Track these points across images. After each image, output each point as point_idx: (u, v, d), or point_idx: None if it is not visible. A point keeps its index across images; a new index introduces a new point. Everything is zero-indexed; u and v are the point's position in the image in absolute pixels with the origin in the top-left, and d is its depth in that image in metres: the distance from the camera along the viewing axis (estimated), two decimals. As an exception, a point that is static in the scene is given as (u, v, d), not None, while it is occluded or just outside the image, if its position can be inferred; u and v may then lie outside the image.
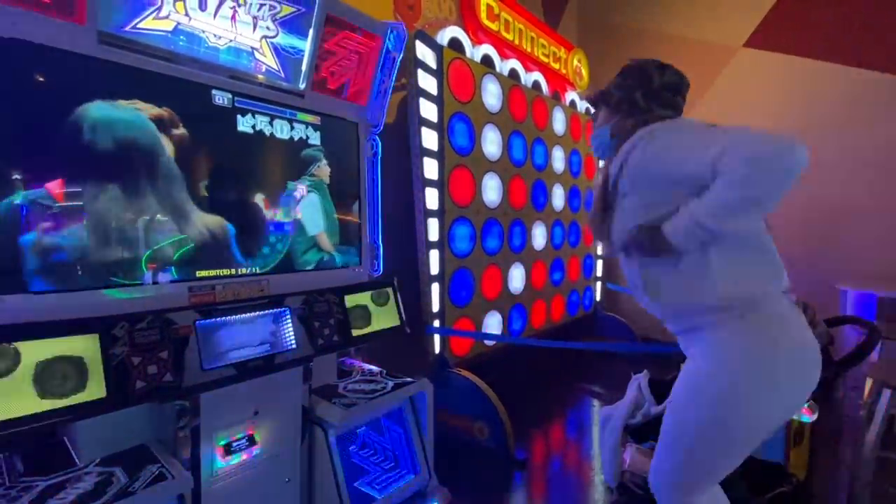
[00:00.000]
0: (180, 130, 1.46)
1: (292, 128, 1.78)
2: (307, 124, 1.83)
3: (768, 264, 1.04)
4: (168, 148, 1.43)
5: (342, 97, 1.94)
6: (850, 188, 3.56)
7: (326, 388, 1.86)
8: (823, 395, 3.00)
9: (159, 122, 1.41)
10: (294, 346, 1.61)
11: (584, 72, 4.30)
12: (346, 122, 1.98)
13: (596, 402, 3.29)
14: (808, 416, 1.96)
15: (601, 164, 1.26)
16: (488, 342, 3.06)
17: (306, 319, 1.68)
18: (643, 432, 1.79)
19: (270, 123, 1.71)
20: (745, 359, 0.97)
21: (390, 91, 2.07)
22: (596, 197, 1.17)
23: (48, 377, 1.10)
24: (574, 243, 4.15)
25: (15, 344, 1.08)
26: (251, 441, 1.54)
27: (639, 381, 1.96)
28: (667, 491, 1.13)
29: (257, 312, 1.58)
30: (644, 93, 1.12)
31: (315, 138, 1.86)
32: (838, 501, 2.05)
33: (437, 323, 2.61)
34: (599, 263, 4.65)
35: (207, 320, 1.43)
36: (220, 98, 1.57)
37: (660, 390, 1.87)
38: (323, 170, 1.91)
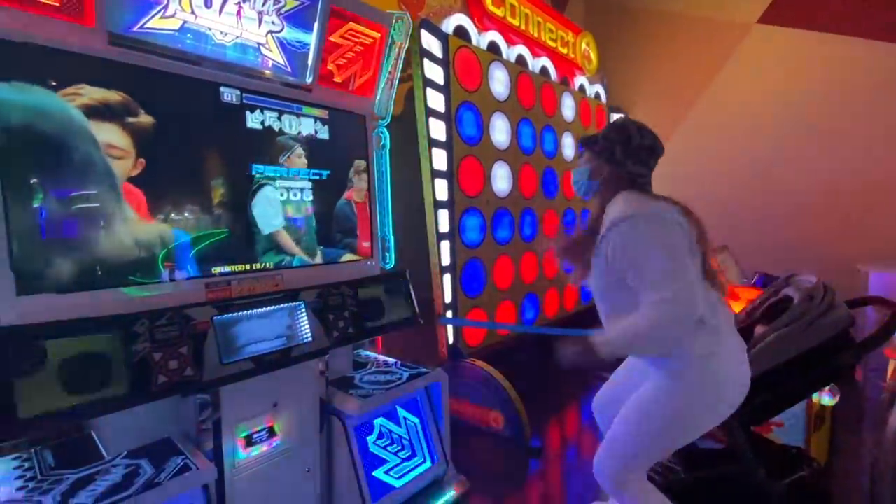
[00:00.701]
0: (141, 119, 1.34)
1: (300, 122, 1.78)
2: (315, 118, 1.83)
3: (710, 333, 1.21)
4: (117, 140, 1.30)
5: (349, 90, 1.93)
6: (871, 167, 3.46)
7: (343, 380, 1.89)
8: (845, 379, 2.97)
9: (103, 110, 1.27)
10: (310, 338, 1.63)
11: (593, 55, 4.22)
12: (354, 114, 1.98)
13: (611, 390, 3.28)
14: (829, 399, 1.93)
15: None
16: (501, 332, 3.07)
17: (321, 312, 1.70)
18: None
19: (279, 119, 1.72)
20: (695, 397, 1.22)
21: (397, 82, 2.06)
22: (580, 230, 1.38)
23: (74, 374, 1.14)
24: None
25: (41, 342, 1.11)
26: (271, 433, 1.57)
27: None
28: (613, 473, 1.32)
29: (273, 307, 1.60)
30: (623, 148, 1.28)
31: (323, 132, 1.86)
32: (860, 486, 2.02)
33: (449, 314, 2.62)
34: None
35: (225, 315, 1.45)
36: (229, 95, 1.57)
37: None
38: (295, 161, 1.78)
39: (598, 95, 4.29)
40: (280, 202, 1.75)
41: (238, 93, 1.60)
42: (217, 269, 1.54)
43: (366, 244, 2.06)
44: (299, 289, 1.69)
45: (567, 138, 3.79)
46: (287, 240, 1.78)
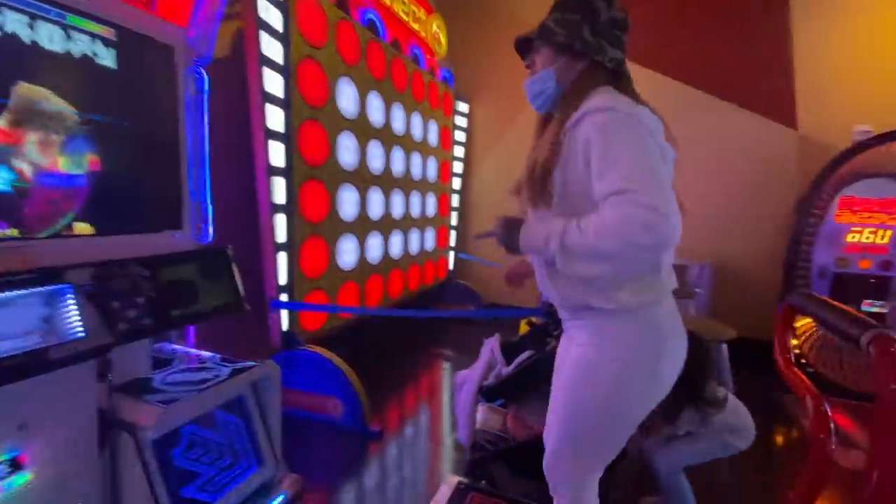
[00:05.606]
0: None
1: (69, 37, 1.29)
2: (94, 36, 1.35)
3: (665, 277, 1.02)
4: None
5: (151, 10, 1.49)
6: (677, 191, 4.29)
7: (136, 384, 1.48)
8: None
9: None
10: (81, 334, 1.22)
11: (443, 39, 4.26)
12: (156, 42, 1.53)
13: (447, 366, 3.43)
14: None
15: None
16: (343, 315, 2.90)
17: (100, 299, 1.28)
18: (495, 392, 1.90)
19: (30, 26, 1.21)
20: (633, 351, 0.99)
21: (221, 15, 1.68)
22: (540, 152, 1.01)
23: None
24: (431, 213, 4.19)
25: None
26: (14, 465, 1.14)
27: (491, 345, 2.05)
28: (563, 472, 1.11)
29: (17, 291, 1.14)
30: (592, 28, 0.97)
31: (107, 57, 1.39)
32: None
33: (284, 297, 2.34)
34: (453, 233, 4.81)
35: (-82, 306, 0.96)
36: (-73, -30, 1.03)
37: (510, 352, 1.99)
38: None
39: (446, 80, 4.36)
40: None
41: (-54, -30, 1.05)
42: None
43: (174, 212, 1.65)
44: (63, 267, 1.24)
45: (416, 118, 3.75)
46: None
